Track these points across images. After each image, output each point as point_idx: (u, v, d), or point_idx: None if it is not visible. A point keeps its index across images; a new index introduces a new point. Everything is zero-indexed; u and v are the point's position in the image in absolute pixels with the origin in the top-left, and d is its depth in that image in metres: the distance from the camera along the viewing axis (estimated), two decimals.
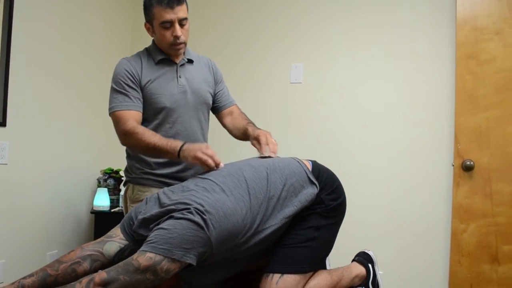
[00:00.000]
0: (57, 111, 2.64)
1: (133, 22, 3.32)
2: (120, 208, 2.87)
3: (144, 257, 1.13)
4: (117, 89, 1.68)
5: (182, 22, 1.66)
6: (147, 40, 1.82)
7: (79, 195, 2.89)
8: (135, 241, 1.31)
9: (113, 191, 2.96)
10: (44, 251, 2.56)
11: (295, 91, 2.94)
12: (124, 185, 1.87)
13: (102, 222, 2.79)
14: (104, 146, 3.06)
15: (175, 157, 1.57)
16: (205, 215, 1.20)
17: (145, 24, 1.73)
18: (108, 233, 1.38)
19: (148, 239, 1.18)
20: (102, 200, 2.83)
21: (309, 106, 2.90)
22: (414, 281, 2.58)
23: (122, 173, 3.05)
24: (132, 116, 1.65)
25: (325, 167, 1.55)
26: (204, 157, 1.48)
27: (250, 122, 1.83)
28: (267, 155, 1.58)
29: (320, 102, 2.87)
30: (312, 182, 1.43)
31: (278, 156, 1.59)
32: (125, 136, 1.64)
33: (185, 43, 1.71)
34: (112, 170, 3.00)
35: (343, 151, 2.76)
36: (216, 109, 1.94)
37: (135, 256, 1.15)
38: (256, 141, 1.66)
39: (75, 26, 2.75)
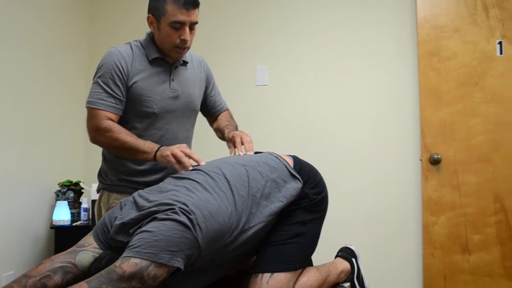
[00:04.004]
0: (10, 123, 2.45)
1: (89, 37, 3.17)
2: (82, 221, 2.71)
3: (128, 263, 1.04)
4: (102, 84, 1.56)
5: (192, 26, 1.57)
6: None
7: (36, 210, 2.69)
8: (113, 249, 1.21)
9: (73, 204, 2.79)
10: (0, 272, 2.35)
11: (260, 94, 2.92)
12: (97, 191, 1.76)
13: (63, 237, 2.61)
14: (61, 157, 2.88)
15: (150, 158, 1.50)
16: (190, 214, 1.13)
17: (148, 17, 1.60)
18: (80, 242, 1.27)
19: (131, 243, 1.09)
20: (62, 214, 2.65)
21: (275, 108, 2.88)
22: (389, 277, 2.60)
23: (82, 185, 2.90)
24: (111, 117, 1.56)
25: (306, 161, 1.52)
26: (180, 153, 1.43)
27: (230, 124, 1.79)
28: (242, 154, 1.54)
29: (286, 104, 2.86)
30: (294, 177, 1.40)
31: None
32: (98, 132, 1.55)
33: (188, 48, 1.63)
34: (71, 182, 2.83)
35: (311, 151, 2.73)
36: (208, 113, 1.90)
37: (118, 263, 1.05)
38: (231, 143, 1.63)
39: (29, 41, 2.59)
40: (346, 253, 1.60)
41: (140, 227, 1.13)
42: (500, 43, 2.41)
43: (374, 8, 2.73)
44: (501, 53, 2.42)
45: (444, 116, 2.47)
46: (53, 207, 2.73)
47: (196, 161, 1.43)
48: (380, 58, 2.71)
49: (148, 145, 1.51)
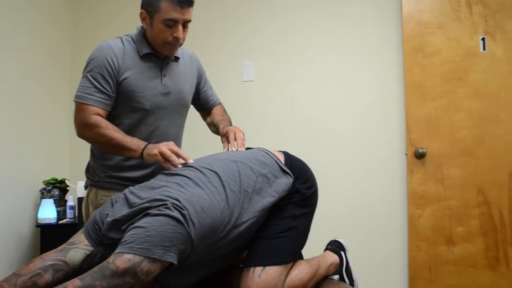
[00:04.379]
0: None
1: (72, 36, 3.11)
2: (68, 219, 2.67)
3: (121, 259, 1.04)
4: (91, 79, 1.54)
5: (186, 24, 1.56)
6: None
7: (21, 209, 2.64)
8: (105, 246, 1.20)
9: (59, 202, 2.75)
10: None
11: (247, 90, 2.92)
12: (85, 187, 1.74)
13: (49, 236, 2.57)
14: (46, 155, 2.83)
15: (137, 155, 1.49)
16: (183, 210, 1.13)
17: (141, 13, 1.58)
18: (70, 240, 1.26)
19: (123, 239, 1.08)
20: (48, 212, 2.61)
21: (262, 104, 2.88)
22: (376, 268, 2.64)
23: (68, 183, 2.86)
24: (99, 113, 1.54)
25: (297, 157, 1.54)
26: (168, 152, 1.42)
27: (224, 119, 1.80)
28: (235, 150, 1.55)
29: (273, 100, 2.87)
30: (285, 172, 1.42)
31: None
32: (85, 127, 1.53)
33: (181, 45, 1.62)
34: (56, 180, 2.79)
35: (297, 146, 2.73)
36: (201, 108, 1.90)
37: (111, 259, 1.05)
38: (224, 137, 1.64)
39: (12, 40, 2.52)
40: (335, 246, 1.63)
41: (132, 223, 1.13)
42: (483, 39, 2.47)
43: (359, 4, 2.75)
44: (484, 49, 2.47)
45: (428, 111, 2.52)
46: (38, 206, 2.68)
47: (184, 159, 1.42)
48: (366, 54, 2.73)
49: (135, 143, 1.50)
